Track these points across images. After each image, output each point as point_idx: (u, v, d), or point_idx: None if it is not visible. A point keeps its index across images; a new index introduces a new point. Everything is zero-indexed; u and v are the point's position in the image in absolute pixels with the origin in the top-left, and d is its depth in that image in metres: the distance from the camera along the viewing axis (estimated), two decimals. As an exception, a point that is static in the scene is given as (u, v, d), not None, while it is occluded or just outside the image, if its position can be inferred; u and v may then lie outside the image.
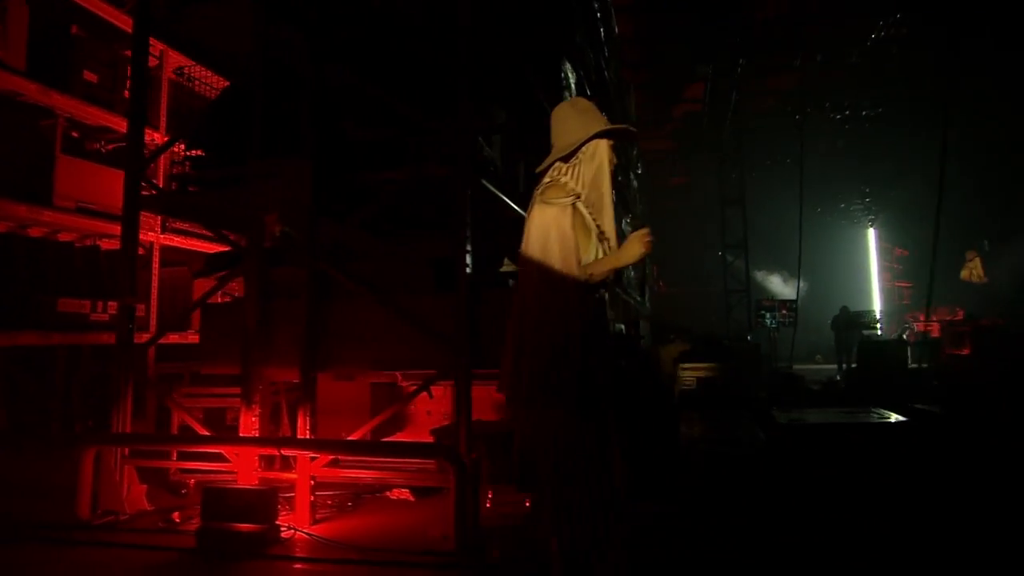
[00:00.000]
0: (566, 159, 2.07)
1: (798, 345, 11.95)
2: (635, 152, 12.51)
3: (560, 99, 5.70)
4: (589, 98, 6.84)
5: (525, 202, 4.16)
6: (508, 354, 2.03)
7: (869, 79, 12.23)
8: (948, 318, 10.75)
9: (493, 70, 3.94)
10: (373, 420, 3.27)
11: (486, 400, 4.27)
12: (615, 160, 2.14)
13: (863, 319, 7.97)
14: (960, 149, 14.06)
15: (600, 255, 2.02)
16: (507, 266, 3.96)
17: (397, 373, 3.52)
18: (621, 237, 2.15)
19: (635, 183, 12.18)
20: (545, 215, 2.00)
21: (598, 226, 2.05)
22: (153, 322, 5.43)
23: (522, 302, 2.01)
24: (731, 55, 10.99)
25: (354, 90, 3.56)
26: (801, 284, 16.95)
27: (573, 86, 6.12)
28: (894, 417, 4.37)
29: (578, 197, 2.02)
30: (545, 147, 2.15)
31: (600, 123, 2.08)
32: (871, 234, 19.50)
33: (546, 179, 2.11)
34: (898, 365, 7.77)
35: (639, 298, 11.23)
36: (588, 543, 1.87)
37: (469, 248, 3.19)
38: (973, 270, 11.68)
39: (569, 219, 1.96)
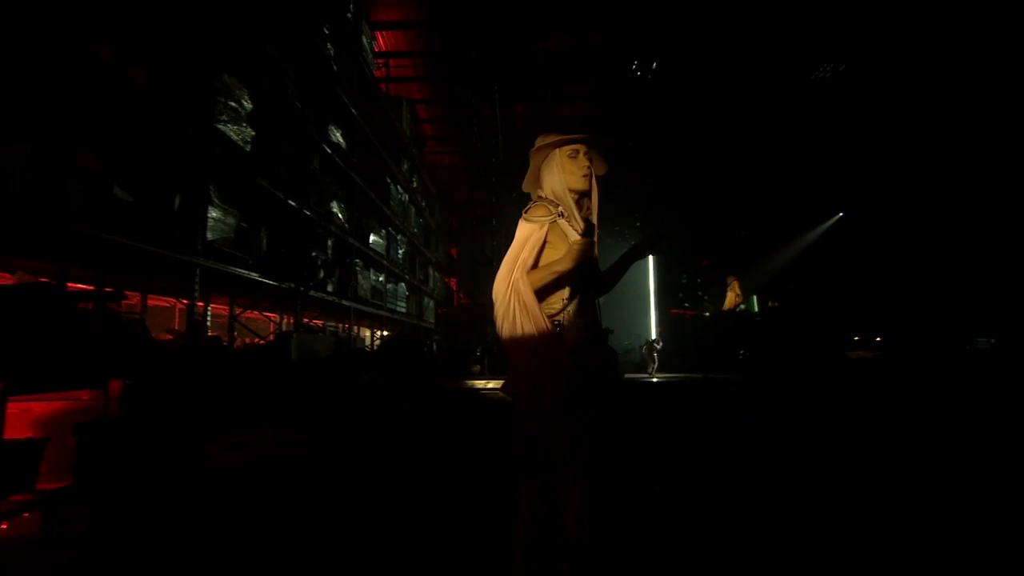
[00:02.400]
0: (535, 180, 2.30)
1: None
2: (407, 166, 12.87)
3: (213, 108, 5.77)
4: (284, 111, 6.99)
5: (126, 225, 4.08)
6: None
7: (615, 114, 13.69)
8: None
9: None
10: None
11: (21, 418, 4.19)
12: (587, 164, 2.22)
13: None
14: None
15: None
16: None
17: None
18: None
19: (404, 196, 12.50)
20: (521, 230, 2.16)
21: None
22: None
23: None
24: (487, 83, 11.73)
25: None
26: (599, 303, 18.48)
27: (245, 100, 6.21)
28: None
29: (561, 215, 2.16)
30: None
31: (542, 142, 2.23)
32: (650, 259, 21.60)
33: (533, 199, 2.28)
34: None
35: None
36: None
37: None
38: (733, 293, 12.13)
39: (541, 235, 2.12)
